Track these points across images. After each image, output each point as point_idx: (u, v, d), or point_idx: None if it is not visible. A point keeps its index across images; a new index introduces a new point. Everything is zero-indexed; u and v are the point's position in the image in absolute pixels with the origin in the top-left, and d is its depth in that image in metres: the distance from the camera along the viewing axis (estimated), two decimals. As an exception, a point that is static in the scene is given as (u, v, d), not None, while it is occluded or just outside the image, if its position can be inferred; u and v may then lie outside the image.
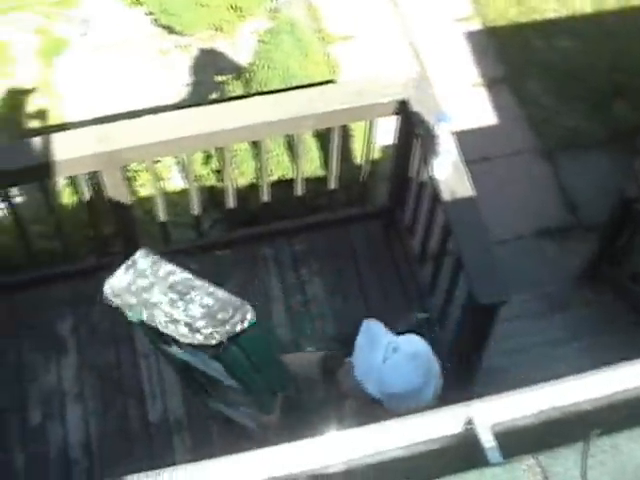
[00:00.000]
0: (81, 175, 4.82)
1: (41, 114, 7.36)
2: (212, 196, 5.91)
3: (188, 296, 3.17)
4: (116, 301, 3.22)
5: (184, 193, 6.13)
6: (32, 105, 7.40)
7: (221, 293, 3.21)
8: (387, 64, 7.23)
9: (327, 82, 5.87)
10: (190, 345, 3.14)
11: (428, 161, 4.64)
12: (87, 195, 4.89)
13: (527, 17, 7.82)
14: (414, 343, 3.23)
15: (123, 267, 3.22)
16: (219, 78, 6.57)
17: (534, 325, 5.99)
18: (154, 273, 3.22)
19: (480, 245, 4.52)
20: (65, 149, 4.63)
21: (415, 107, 4.76)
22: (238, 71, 6.81)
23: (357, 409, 3.43)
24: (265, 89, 5.72)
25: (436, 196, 4.68)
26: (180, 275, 3.24)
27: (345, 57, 7.14)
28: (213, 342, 3.07)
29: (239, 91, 5.96)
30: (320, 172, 5.72)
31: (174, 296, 3.16)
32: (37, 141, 4.71)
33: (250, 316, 3.16)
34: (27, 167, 4.67)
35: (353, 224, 5.59)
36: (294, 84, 5.64)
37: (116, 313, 3.19)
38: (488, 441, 2.19)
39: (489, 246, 4.53)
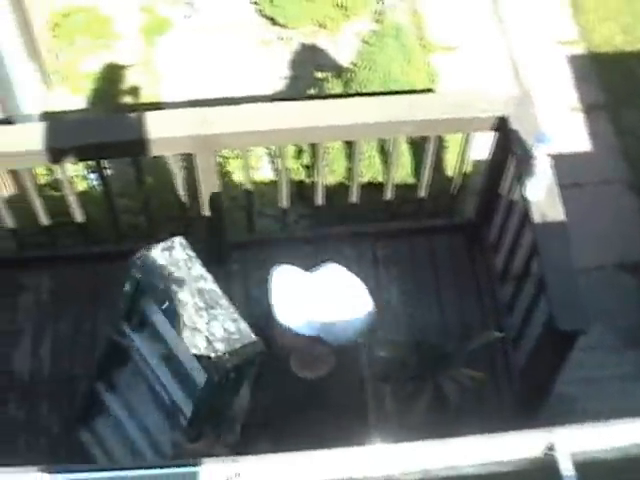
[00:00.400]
0: (175, 155, 4.87)
1: (138, 91, 7.43)
2: (299, 190, 5.91)
3: (213, 311, 3.20)
4: (140, 276, 3.25)
5: (272, 184, 6.16)
6: (130, 81, 7.48)
7: (242, 325, 3.25)
8: (486, 78, 7.17)
9: (427, 90, 5.87)
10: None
11: (522, 180, 4.60)
12: (178, 176, 4.94)
13: (633, 46, 7.70)
14: (332, 272, 3.14)
15: (160, 246, 3.25)
16: (318, 74, 6.57)
17: (606, 358, 5.92)
18: (188, 269, 3.25)
19: (565, 270, 4.48)
20: (162, 128, 4.70)
21: (514, 125, 4.73)
22: (338, 69, 6.82)
23: (301, 360, 3.42)
24: (364, 90, 5.72)
25: (526, 216, 4.65)
26: (210, 285, 3.28)
27: (445, 67, 7.09)
28: (226, 366, 3.12)
29: (338, 89, 5.96)
30: (410, 179, 5.70)
31: (201, 304, 3.19)
32: (135, 117, 4.78)
33: (258, 357, 3.20)
34: (122, 141, 4.75)
35: (437, 235, 5.58)
36: (394, 89, 5.63)
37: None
38: (567, 469, 2.17)
39: (574, 273, 4.48)
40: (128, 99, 7.39)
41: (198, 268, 3.31)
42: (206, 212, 5.03)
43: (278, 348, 3.45)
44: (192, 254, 3.34)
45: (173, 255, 3.30)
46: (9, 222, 5.19)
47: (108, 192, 5.11)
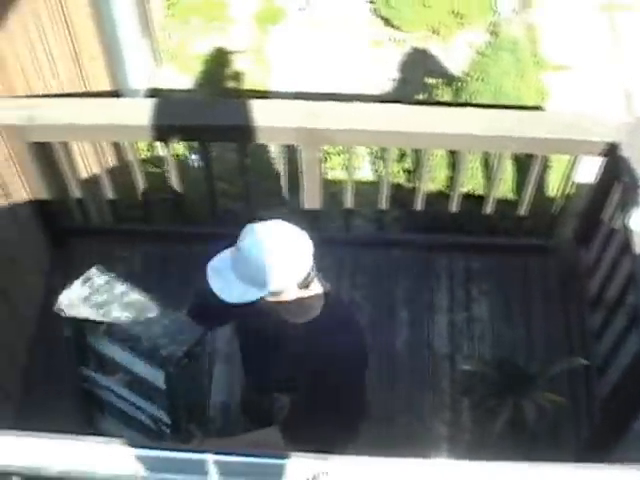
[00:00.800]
0: (280, 145, 4.89)
1: (245, 77, 7.48)
2: (397, 194, 5.88)
3: (145, 316, 3.21)
4: (70, 311, 3.29)
5: (370, 185, 6.16)
6: (238, 67, 7.54)
7: (177, 315, 3.26)
8: (597, 102, 7.08)
9: (536, 108, 5.80)
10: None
11: (626, 209, 4.52)
12: (281, 166, 4.95)
13: None
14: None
15: (79, 281, 3.28)
16: (428, 80, 6.54)
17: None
18: (110, 291, 3.27)
19: (661, 305, 4.39)
20: (270, 117, 4.71)
21: (625, 152, 4.65)
22: (448, 77, 6.79)
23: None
24: (474, 101, 5.68)
25: (627, 245, 4.56)
26: (135, 296, 3.29)
27: (556, 86, 7.01)
28: (176, 355, 3.14)
29: (447, 97, 5.92)
30: (510, 195, 5.64)
31: (132, 314, 3.21)
32: (243, 103, 4.79)
33: (202, 339, 3.20)
34: (230, 126, 4.76)
35: (532, 254, 5.51)
36: (504, 103, 5.58)
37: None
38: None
39: (670, 308, 4.40)
40: (234, 84, 7.45)
41: (119, 287, 3.34)
42: (305, 205, 5.03)
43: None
44: (110, 277, 3.37)
45: (94, 284, 3.33)
46: (109, 193, 5.25)
47: (209, 174, 5.14)
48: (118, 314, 3.25)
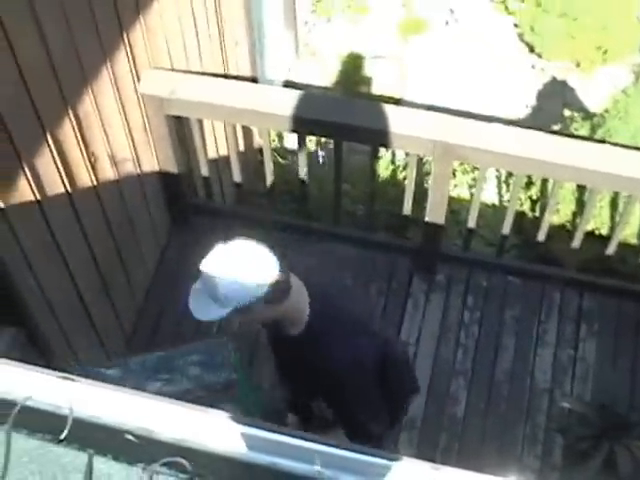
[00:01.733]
0: (414, 155, 4.87)
1: (381, 83, 7.47)
2: (519, 221, 5.82)
3: (176, 366, 3.18)
4: None
5: (493, 208, 6.12)
6: (375, 72, 7.53)
7: (197, 344, 3.23)
8: None
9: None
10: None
11: None
12: (412, 175, 4.94)
13: None
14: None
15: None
16: (565, 112, 6.45)
17: None
18: (128, 371, 3.23)
19: None
20: (409, 125, 4.70)
21: None
22: (585, 111, 6.70)
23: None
24: (611, 139, 5.58)
25: None
26: (152, 357, 3.25)
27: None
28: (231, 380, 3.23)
29: (583, 132, 5.84)
30: (633, 239, 5.54)
31: (166, 375, 3.17)
32: (383, 107, 4.80)
33: (230, 343, 3.28)
34: (367, 128, 4.75)
35: (647, 302, 5.40)
36: (641, 145, 5.48)
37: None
38: None
39: None
40: (369, 88, 7.45)
41: (132, 360, 3.33)
42: (428, 218, 5.01)
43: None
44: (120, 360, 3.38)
45: (112, 377, 3.32)
46: (236, 176, 5.29)
47: (338, 173, 5.15)
48: (154, 384, 3.26)
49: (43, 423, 2.04)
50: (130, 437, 2.07)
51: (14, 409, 1.98)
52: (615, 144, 5.31)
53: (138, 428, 2.09)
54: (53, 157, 3.96)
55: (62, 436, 1.97)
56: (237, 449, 2.08)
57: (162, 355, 3.27)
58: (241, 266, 3.05)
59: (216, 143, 5.65)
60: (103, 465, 1.93)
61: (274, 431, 2.04)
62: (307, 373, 3.41)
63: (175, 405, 2.12)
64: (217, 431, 2.10)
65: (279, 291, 3.10)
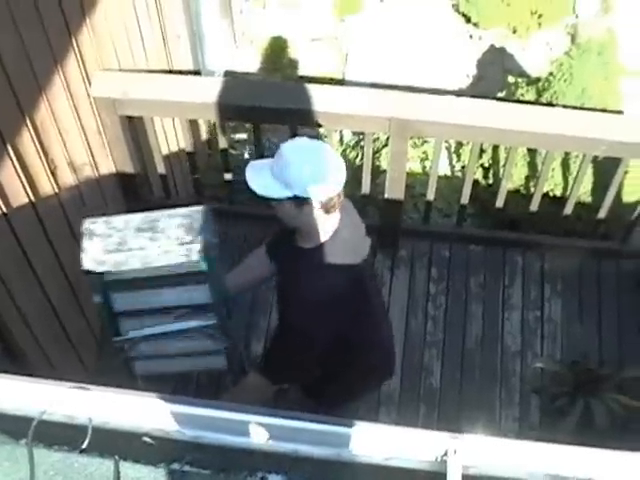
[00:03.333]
0: (369, 133, 4.92)
1: (320, 65, 7.49)
2: (472, 190, 5.89)
3: (158, 227, 3.27)
4: (103, 268, 3.30)
5: (445, 179, 6.19)
6: (314, 54, 7.55)
7: (179, 210, 3.33)
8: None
9: (618, 112, 5.78)
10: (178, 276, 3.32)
11: None
12: (369, 153, 4.98)
13: None
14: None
15: (85, 239, 3.30)
16: (509, 78, 6.53)
17: None
18: (114, 228, 3.31)
19: None
20: (365, 105, 4.73)
21: None
22: (525, 76, 6.78)
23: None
24: (557, 102, 5.66)
25: None
26: (136, 217, 3.34)
27: (634, 92, 6.97)
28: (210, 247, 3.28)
29: (529, 97, 5.91)
30: (586, 198, 5.64)
31: (147, 234, 3.26)
32: (334, 89, 4.87)
33: (209, 212, 3.34)
34: (320, 112, 4.75)
35: (607, 258, 5.50)
36: (588, 105, 5.56)
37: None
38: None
39: None
40: (310, 71, 7.46)
41: (117, 220, 3.39)
42: (387, 195, 5.06)
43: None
44: (103, 218, 3.40)
45: (97, 233, 3.35)
46: (192, 171, 5.31)
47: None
48: (138, 242, 3.28)
49: (62, 435, 2.06)
50: (148, 439, 2.10)
51: (32, 424, 2.00)
52: (564, 106, 5.41)
53: (154, 430, 2.12)
54: (14, 167, 3.94)
55: (84, 445, 1.99)
56: (255, 442, 2.12)
57: (146, 215, 3.32)
58: (320, 162, 3.18)
59: (167, 140, 5.65)
60: (130, 470, 1.96)
61: (295, 418, 2.08)
62: (287, 285, 3.56)
63: (188, 404, 2.15)
64: (230, 426, 2.13)
65: (334, 202, 3.27)
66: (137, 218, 3.37)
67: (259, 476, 2.01)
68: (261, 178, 3.25)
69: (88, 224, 3.37)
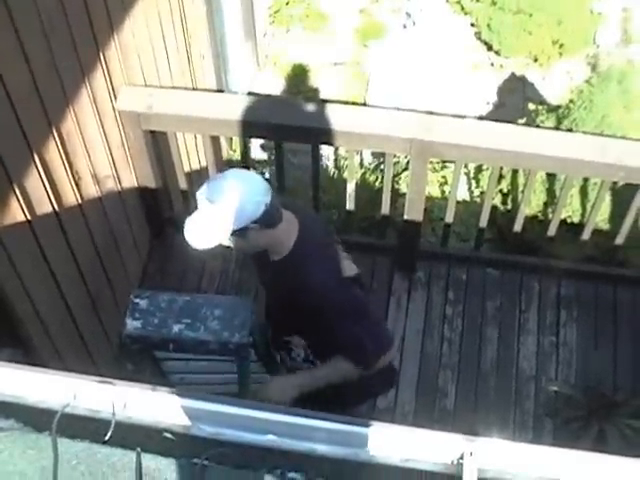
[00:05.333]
0: (390, 155, 4.96)
1: (342, 89, 7.56)
2: (490, 214, 5.93)
3: (199, 315, 3.32)
4: (139, 346, 3.39)
5: (463, 203, 6.22)
6: (336, 78, 7.62)
7: (223, 299, 3.39)
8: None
9: (636, 140, 5.80)
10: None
11: None
12: (389, 175, 5.02)
13: None
14: None
15: (128, 314, 3.39)
16: (530, 106, 6.57)
17: None
18: (157, 307, 3.37)
19: None
20: (386, 125, 4.77)
21: None
22: (545, 104, 6.83)
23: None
24: (576, 129, 5.70)
25: None
26: (181, 299, 3.39)
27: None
28: (244, 343, 3.33)
29: (549, 124, 5.95)
30: (603, 224, 5.66)
31: (188, 320, 3.31)
32: (357, 109, 4.89)
33: (252, 307, 3.41)
34: (342, 131, 4.79)
35: (623, 285, 5.51)
36: (608, 133, 5.59)
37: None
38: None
39: None
40: (331, 95, 7.52)
41: (162, 297, 3.45)
42: (406, 216, 5.09)
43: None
44: (150, 293, 3.48)
45: (141, 309, 3.43)
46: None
47: (316, 178, 5.23)
48: (177, 327, 3.36)
49: (85, 427, 2.10)
50: (168, 435, 2.13)
51: (56, 416, 2.04)
52: (584, 132, 5.45)
53: (175, 425, 2.15)
54: (41, 177, 4.01)
55: (107, 437, 2.03)
56: (274, 440, 2.15)
57: (190, 300, 3.39)
58: (238, 191, 3.26)
59: (188, 156, 5.71)
60: (151, 462, 1.99)
61: (314, 417, 2.11)
62: (289, 300, 3.58)
63: (208, 401, 2.18)
64: (250, 423, 2.16)
65: (273, 215, 3.35)
66: (181, 300, 3.45)
67: (278, 473, 2.04)
68: (198, 234, 3.35)
69: (134, 298, 3.45)
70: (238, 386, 3.62)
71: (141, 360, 3.57)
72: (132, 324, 3.38)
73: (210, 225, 3.29)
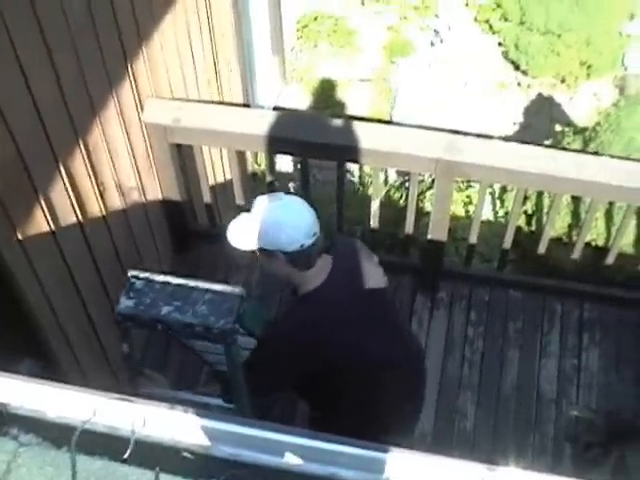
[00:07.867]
0: (415, 174, 4.94)
1: (368, 105, 7.57)
2: (514, 236, 5.90)
3: (190, 298, 3.28)
4: (130, 324, 3.40)
5: (488, 224, 6.20)
6: (363, 94, 7.63)
7: (216, 286, 3.37)
8: None
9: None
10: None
11: None
12: (414, 194, 5.00)
13: None
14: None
15: (123, 292, 3.39)
16: (556, 127, 6.56)
17: None
18: (151, 289, 3.37)
19: None
20: (412, 144, 4.76)
21: None
22: (571, 125, 6.81)
23: None
24: (603, 152, 5.67)
25: None
26: (175, 282, 3.40)
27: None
28: (227, 334, 3.28)
29: (575, 146, 5.94)
30: (628, 249, 5.63)
31: (178, 303, 3.29)
32: (382, 127, 4.87)
33: (245, 295, 3.32)
34: (367, 149, 4.78)
35: (647, 308, 5.48)
36: (635, 156, 5.57)
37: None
38: None
39: None
40: (357, 111, 7.52)
41: (157, 279, 3.45)
42: (429, 236, 5.08)
43: None
44: (147, 274, 3.47)
45: (136, 289, 3.43)
46: (238, 199, 5.35)
47: (340, 194, 5.22)
48: (167, 309, 3.36)
49: (103, 444, 2.09)
50: (187, 454, 2.12)
51: (75, 432, 2.03)
52: (611, 156, 5.41)
53: (194, 445, 2.14)
54: (66, 188, 4.02)
55: (125, 455, 2.01)
56: (292, 463, 2.14)
57: (183, 284, 3.39)
58: (280, 218, 3.31)
59: (213, 170, 5.71)
60: (169, 481, 1.98)
61: (333, 441, 2.09)
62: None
63: (228, 422, 2.17)
64: (269, 445, 2.14)
65: (304, 259, 3.36)
66: (175, 283, 3.45)
67: (296, 496, 2.03)
68: (239, 231, 3.46)
69: (131, 278, 3.45)
70: (227, 370, 3.60)
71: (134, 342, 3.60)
72: (125, 303, 3.40)
73: (244, 230, 3.40)
